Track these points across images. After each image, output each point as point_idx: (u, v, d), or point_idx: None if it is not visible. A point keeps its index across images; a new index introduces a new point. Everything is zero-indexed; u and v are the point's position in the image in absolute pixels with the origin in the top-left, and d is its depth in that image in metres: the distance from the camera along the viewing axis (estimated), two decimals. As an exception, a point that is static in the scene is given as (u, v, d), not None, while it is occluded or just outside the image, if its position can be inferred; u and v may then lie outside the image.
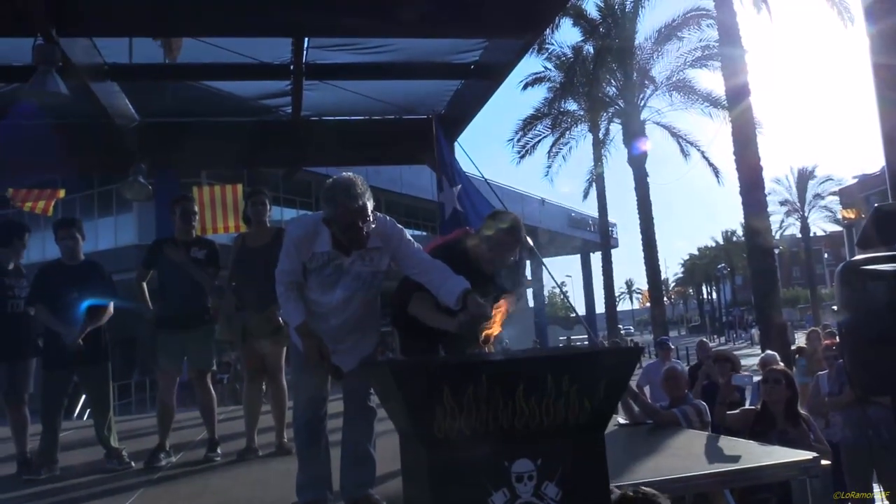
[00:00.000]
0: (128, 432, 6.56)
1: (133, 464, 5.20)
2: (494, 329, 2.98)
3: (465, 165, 7.81)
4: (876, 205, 2.98)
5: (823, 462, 3.86)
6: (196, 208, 5.85)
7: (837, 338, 6.51)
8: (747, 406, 6.25)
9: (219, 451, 5.42)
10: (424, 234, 27.15)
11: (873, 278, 2.63)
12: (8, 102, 6.99)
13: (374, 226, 3.32)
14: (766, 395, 5.17)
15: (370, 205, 3.27)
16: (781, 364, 7.45)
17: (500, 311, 3.08)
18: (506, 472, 2.35)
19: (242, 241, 5.73)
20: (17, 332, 5.34)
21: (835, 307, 3.39)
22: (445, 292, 3.29)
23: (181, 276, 5.41)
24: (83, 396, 8.55)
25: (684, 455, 4.28)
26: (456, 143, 8.19)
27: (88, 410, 6.50)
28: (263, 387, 5.76)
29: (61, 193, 10.04)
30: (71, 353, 5.15)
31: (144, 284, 5.70)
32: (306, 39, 6.46)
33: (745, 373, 6.73)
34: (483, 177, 8.47)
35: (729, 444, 4.48)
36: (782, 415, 5.02)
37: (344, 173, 3.32)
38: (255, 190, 5.93)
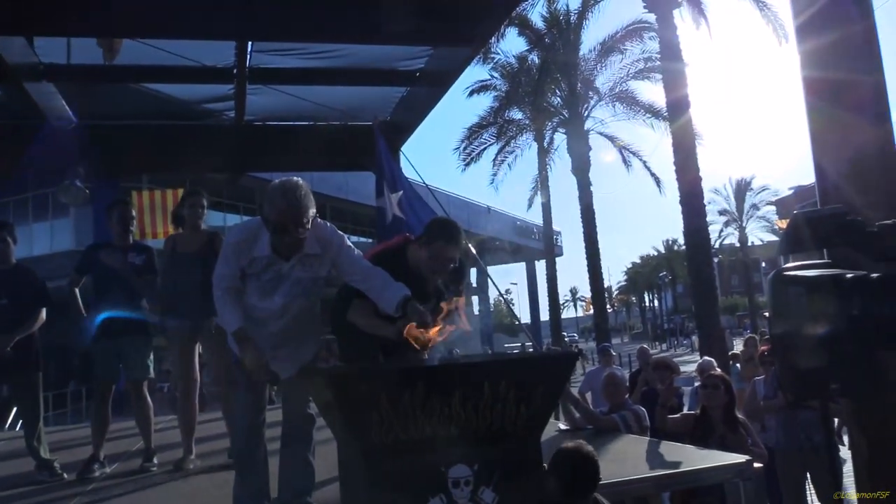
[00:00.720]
0: (62, 442, 6.38)
1: (65, 475, 5.05)
2: (434, 335, 2.98)
3: (408, 172, 7.82)
4: (795, 212, 3.08)
5: (756, 465, 3.95)
6: (134, 213, 5.70)
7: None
8: (686, 411, 6.37)
9: (155, 460, 5.29)
10: (370, 241, 27.04)
11: (794, 284, 2.71)
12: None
13: (314, 231, 3.30)
14: (705, 400, 5.27)
15: (311, 210, 3.25)
16: (719, 370, 7.63)
17: (440, 317, 3.08)
18: (442, 477, 2.36)
19: (173, 246, 5.52)
20: None
21: (766, 313, 3.49)
22: (385, 299, 3.29)
23: (118, 282, 5.27)
24: (14, 407, 8.29)
25: (623, 459, 4.33)
26: (400, 151, 8.20)
27: (20, 421, 6.31)
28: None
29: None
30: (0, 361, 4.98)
31: (77, 290, 5.50)
32: (250, 43, 6.40)
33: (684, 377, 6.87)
34: (425, 183, 8.47)
35: (667, 448, 4.56)
36: (721, 420, 5.13)
37: (290, 178, 3.29)
38: (193, 190, 5.76)
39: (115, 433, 5.92)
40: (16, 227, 5.59)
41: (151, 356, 5.50)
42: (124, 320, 5.29)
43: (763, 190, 54.36)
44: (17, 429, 7.55)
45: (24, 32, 5.97)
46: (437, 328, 3.00)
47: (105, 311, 5.32)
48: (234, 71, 6.83)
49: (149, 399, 5.54)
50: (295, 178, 3.30)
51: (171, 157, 8.46)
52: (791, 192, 48.63)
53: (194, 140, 8.38)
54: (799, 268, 2.99)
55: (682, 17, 19.28)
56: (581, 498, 2.83)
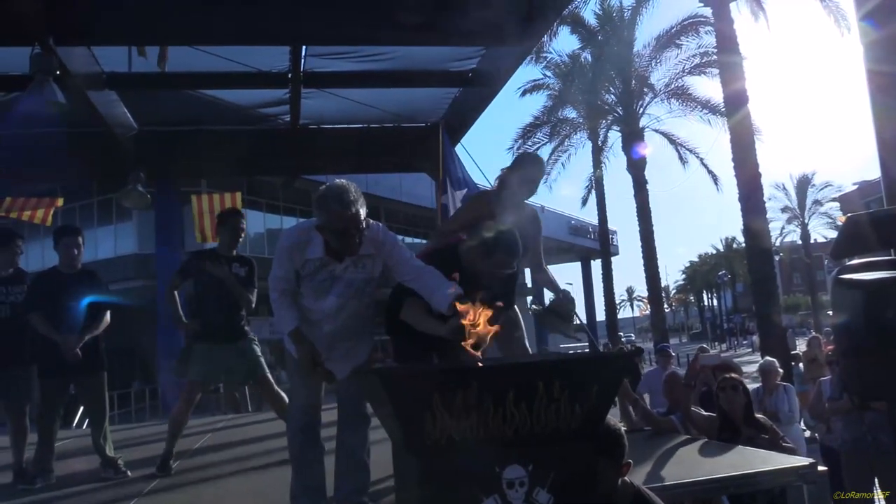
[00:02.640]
0: (126, 441, 6.55)
1: (129, 472, 5.19)
2: (483, 333, 2.96)
3: (468, 170, 7.84)
4: (848, 215, 2.97)
5: (820, 468, 3.84)
6: (244, 225, 5.79)
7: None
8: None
9: None
10: (425, 242, 27.16)
11: (852, 287, 2.61)
12: (5, 111, 7.00)
13: (366, 233, 3.32)
14: (725, 403, 5.13)
15: (363, 212, 3.27)
16: (781, 371, 7.47)
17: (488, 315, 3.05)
18: (497, 478, 2.34)
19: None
20: (8, 339, 5.28)
21: (829, 312, 3.40)
22: (437, 298, 3.29)
23: (222, 290, 5.40)
24: (81, 406, 8.55)
25: (681, 461, 4.26)
26: (460, 147, 8.19)
27: (87, 420, 6.49)
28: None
29: (60, 202, 10.02)
30: (68, 361, 5.13)
31: (176, 293, 5.67)
32: (304, 48, 6.48)
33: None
34: (486, 178, 8.48)
35: (726, 450, 4.47)
36: (742, 421, 5.02)
37: (337, 180, 3.32)
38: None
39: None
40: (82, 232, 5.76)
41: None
42: (229, 327, 5.44)
43: (826, 186, 53.02)
44: (84, 427, 7.80)
45: (85, 42, 6.15)
46: (489, 329, 2.98)
47: (209, 317, 5.45)
48: (289, 75, 6.92)
49: (281, 392, 5.56)
50: (340, 180, 3.33)
51: (229, 162, 8.61)
52: (855, 187, 47.29)
53: (251, 144, 8.51)
54: (860, 267, 2.89)
55: (739, 10, 18.95)
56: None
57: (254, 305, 5.61)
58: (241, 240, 5.71)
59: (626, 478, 3.01)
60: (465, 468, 2.35)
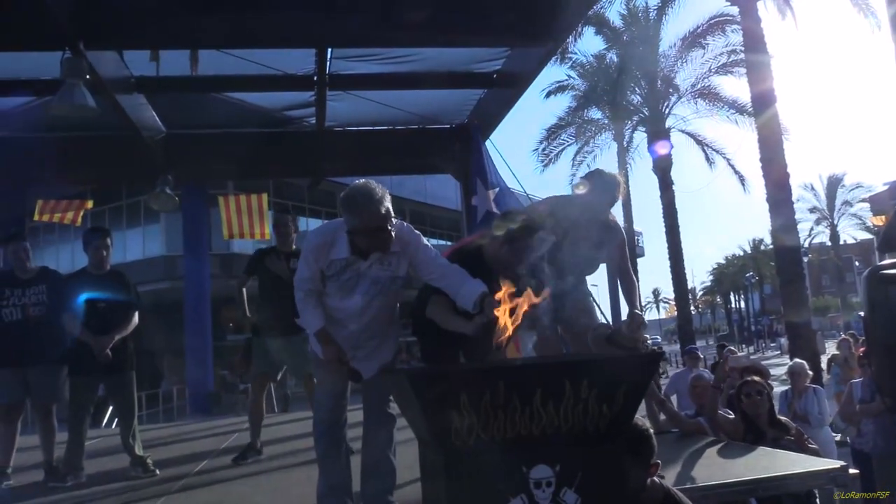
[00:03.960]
0: (155, 440, 6.62)
1: (158, 471, 5.24)
2: (507, 330, 2.95)
3: (497, 167, 7.84)
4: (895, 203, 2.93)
5: (851, 471, 3.79)
6: (290, 224, 5.98)
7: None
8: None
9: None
10: (449, 243, 27.17)
11: (892, 283, 2.58)
12: (36, 115, 7.10)
13: (392, 231, 3.33)
14: (748, 408, 5.10)
15: (391, 208, 3.29)
16: (811, 373, 7.37)
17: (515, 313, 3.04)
18: (524, 478, 2.34)
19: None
20: (29, 338, 5.31)
21: (861, 313, 3.35)
22: (463, 296, 3.29)
23: (282, 286, 5.44)
24: (110, 406, 8.65)
25: (710, 464, 4.22)
26: (490, 145, 8.20)
27: (116, 420, 6.56)
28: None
29: (89, 204, 10.15)
30: (98, 361, 5.19)
31: (244, 290, 5.90)
32: (329, 50, 6.51)
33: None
34: (515, 177, 8.52)
35: (754, 452, 4.43)
36: (766, 424, 4.99)
37: (357, 181, 3.33)
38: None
39: (203, 432, 6.12)
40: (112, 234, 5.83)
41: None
42: (287, 322, 5.44)
43: (856, 186, 52.36)
44: (113, 427, 7.89)
45: (115, 46, 6.23)
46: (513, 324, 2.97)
47: (269, 312, 5.63)
48: (315, 78, 6.96)
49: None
50: (360, 180, 3.34)
51: (255, 164, 8.67)
52: (886, 187, 46.56)
53: (277, 146, 8.57)
54: (893, 266, 2.86)
55: (766, 8, 18.73)
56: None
57: None
58: (291, 237, 5.90)
59: (655, 478, 2.99)
60: (492, 468, 2.34)
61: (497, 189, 7.30)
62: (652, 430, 3.03)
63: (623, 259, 4.63)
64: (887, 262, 2.79)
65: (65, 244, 22.32)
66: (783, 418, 5.25)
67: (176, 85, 7.20)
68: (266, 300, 5.74)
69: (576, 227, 4.27)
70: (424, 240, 3.52)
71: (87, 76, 5.60)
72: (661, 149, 25.06)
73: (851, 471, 3.78)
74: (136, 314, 5.53)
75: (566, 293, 4.40)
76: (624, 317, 4.54)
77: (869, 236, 50.98)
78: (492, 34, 6.32)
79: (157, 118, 7.75)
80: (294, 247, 5.87)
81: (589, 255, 4.38)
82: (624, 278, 4.64)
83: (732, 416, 5.37)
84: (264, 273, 5.70)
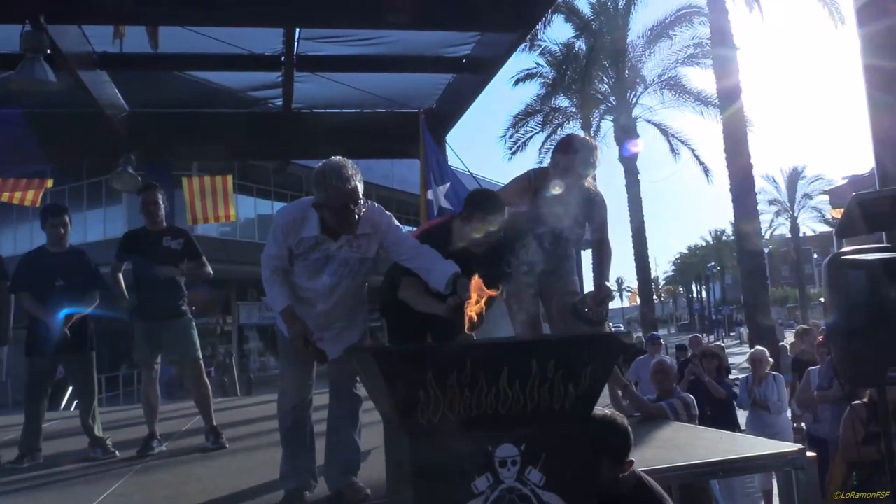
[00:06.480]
0: (115, 422, 6.53)
1: (118, 453, 5.17)
2: (474, 309, 2.95)
3: (452, 161, 7.85)
4: (854, 193, 2.99)
5: (809, 454, 3.87)
6: (160, 198, 5.53)
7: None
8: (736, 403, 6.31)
9: (223, 440, 5.33)
10: (416, 229, 27.10)
11: (854, 268, 2.63)
12: (-4, 90, 6.94)
13: (363, 212, 3.31)
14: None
15: (360, 188, 3.26)
16: (771, 360, 7.52)
17: (482, 292, 3.04)
18: (489, 457, 2.34)
19: None
20: None
21: (822, 299, 3.41)
22: (435, 277, 3.28)
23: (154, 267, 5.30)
24: (69, 388, 8.51)
25: (671, 446, 4.28)
26: (445, 141, 8.20)
27: (75, 402, 6.46)
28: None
29: (49, 183, 9.93)
30: (56, 341, 5.10)
31: (120, 276, 5.49)
32: (298, 30, 6.44)
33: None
34: (470, 172, 8.49)
35: (715, 436, 4.50)
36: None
37: (334, 157, 3.30)
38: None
39: (164, 414, 6.04)
40: (71, 213, 5.70)
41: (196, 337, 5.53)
42: (163, 305, 5.33)
43: (816, 179, 53.18)
44: (73, 409, 7.77)
45: (77, 21, 6.09)
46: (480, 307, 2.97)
47: (145, 296, 5.36)
48: (282, 59, 6.89)
49: (206, 379, 5.59)
50: (340, 157, 3.31)
51: (221, 145, 8.56)
52: (845, 181, 47.43)
53: (242, 128, 8.48)
54: (856, 252, 2.91)
55: (734, 1, 18.91)
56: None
57: (210, 272, 5.52)
58: (160, 214, 5.46)
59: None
60: (457, 447, 2.34)
61: (447, 185, 7.27)
62: (630, 429, 3.06)
63: (601, 228, 4.60)
64: (847, 248, 2.84)
65: (23, 225, 21.88)
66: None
67: (140, 62, 7.08)
68: (142, 285, 5.36)
69: (557, 199, 4.25)
70: (395, 221, 3.51)
71: (48, 51, 5.48)
72: (634, 147, 25.27)
73: (809, 454, 3.86)
74: (97, 294, 5.44)
75: (551, 271, 4.42)
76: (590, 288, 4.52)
77: (828, 229, 51.89)
78: (462, 18, 6.30)
79: (119, 96, 7.62)
80: (164, 224, 5.53)
81: (573, 229, 4.37)
82: (600, 248, 4.60)
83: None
84: (137, 257, 5.35)
